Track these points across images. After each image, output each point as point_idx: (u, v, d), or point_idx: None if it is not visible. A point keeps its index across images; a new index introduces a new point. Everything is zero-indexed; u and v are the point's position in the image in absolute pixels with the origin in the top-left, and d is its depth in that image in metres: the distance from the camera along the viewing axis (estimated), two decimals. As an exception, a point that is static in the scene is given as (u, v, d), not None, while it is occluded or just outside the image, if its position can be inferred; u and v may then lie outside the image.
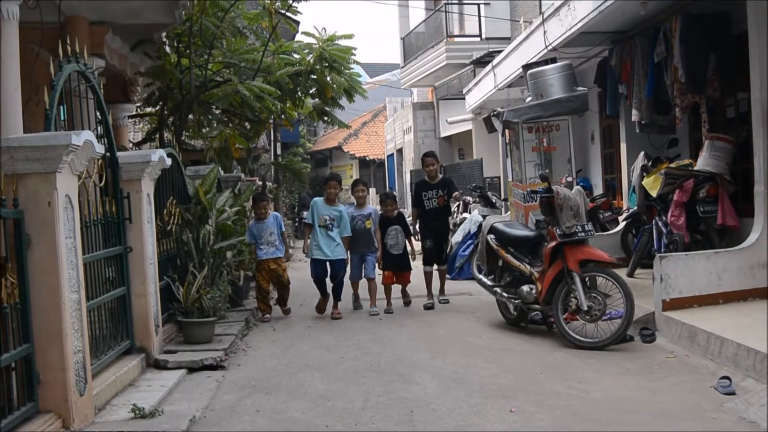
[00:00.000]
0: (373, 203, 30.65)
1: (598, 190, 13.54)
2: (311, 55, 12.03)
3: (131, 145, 13.52)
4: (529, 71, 10.18)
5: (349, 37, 12.67)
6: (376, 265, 10.19)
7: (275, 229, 9.99)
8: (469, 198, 16.23)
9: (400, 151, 31.35)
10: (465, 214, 15.56)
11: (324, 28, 12.25)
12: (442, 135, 26.57)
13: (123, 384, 6.32)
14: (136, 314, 7.06)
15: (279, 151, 24.01)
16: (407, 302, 10.33)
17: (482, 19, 22.33)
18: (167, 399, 6.09)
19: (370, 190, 33.12)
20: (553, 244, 7.47)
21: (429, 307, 9.99)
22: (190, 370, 7.01)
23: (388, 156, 34.97)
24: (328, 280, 10.04)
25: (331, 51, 11.78)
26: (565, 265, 7.31)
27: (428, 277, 10.31)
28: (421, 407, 5.60)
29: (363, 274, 10.17)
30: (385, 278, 10.18)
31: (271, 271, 9.87)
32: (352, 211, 10.23)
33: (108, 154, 6.84)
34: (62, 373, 4.98)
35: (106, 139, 6.85)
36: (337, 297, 9.98)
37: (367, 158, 38.15)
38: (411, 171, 27.00)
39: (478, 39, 22.46)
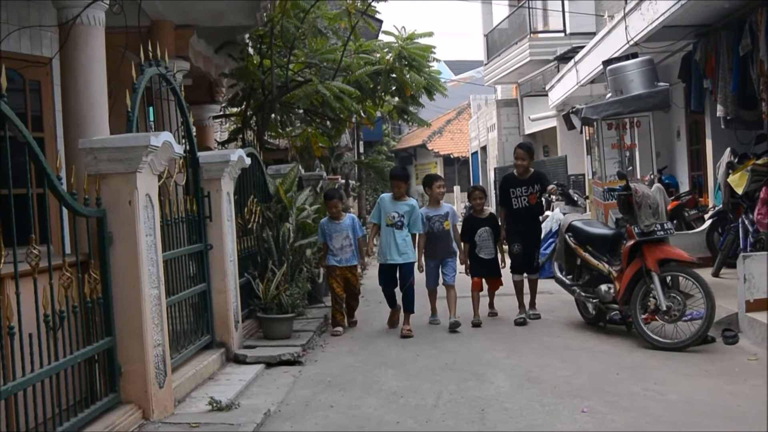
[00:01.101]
0: (458, 202, 30.61)
1: (685, 187, 13.20)
2: (390, 54, 12.12)
3: (216, 144, 13.85)
4: (609, 67, 10.02)
5: (429, 35, 12.72)
6: (457, 270, 9.05)
7: (350, 233, 9.02)
8: (552, 196, 16.03)
9: (484, 148, 31.17)
10: (547, 212, 15.40)
11: (404, 27, 12.34)
12: (527, 132, 26.27)
13: (203, 377, 6.51)
14: (216, 310, 7.25)
15: (362, 150, 24.18)
16: (493, 313, 9.25)
17: (566, 14, 22.02)
18: (244, 393, 6.24)
19: (455, 188, 33.12)
20: (631, 242, 7.34)
21: (521, 323, 8.68)
22: (268, 365, 7.16)
23: (472, 154, 34.81)
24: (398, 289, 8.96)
25: (410, 50, 11.85)
26: (644, 264, 7.18)
27: (518, 287, 9.07)
28: (493, 406, 5.60)
29: (442, 282, 8.98)
30: (474, 284, 9.03)
31: (345, 280, 8.98)
32: (427, 211, 9.02)
33: (189, 154, 7.08)
34: (142, 365, 5.16)
35: (187, 140, 7.07)
36: (408, 308, 8.66)
37: (452, 156, 38.13)
38: (495, 168, 26.84)
39: (562, 35, 22.13)
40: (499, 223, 9.19)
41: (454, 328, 8.46)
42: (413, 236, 8.90)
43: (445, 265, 8.92)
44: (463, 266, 9.10)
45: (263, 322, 8.13)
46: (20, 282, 4.08)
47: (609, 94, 10.35)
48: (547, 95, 19.31)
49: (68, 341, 4.57)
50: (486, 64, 27.19)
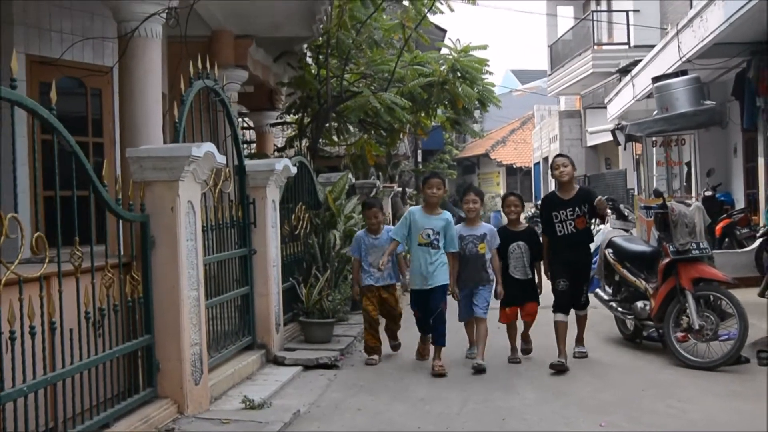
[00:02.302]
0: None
1: (740, 204, 13.06)
2: (444, 66, 12.32)
3: (275, 150, 14.23)
4: (655, 84, 10.02)
5: (484, 48, 12.89)
6: (490, 300, 7.66)
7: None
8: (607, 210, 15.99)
9: (546, 159, 31.07)
10: (600, 226, 15.36)
11: (458, 39, 12.53)
12: (588, 144, 26.18)
13: (241, 377, 6.79)
14: (258, 312, 7.54)
15: (420, 158, 24.38)
16: (527, 350, 7.89)
17: (630, 26, 21.90)
18: (279, 393, 6.51)
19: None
20: (666, 260, 7.38)
21: (559, 368, 7.09)
22: (306, 367, 7.42)
23: (534, 164, 34.72)
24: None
25: (463, 62, 12.03)
26: (678, 283, 7.22)
27: (560, 330, 7.37)
28: (514, 416, 5.74)
29: (473, 312, 7.57)
30: (507, 316, 7.75)
31: (382, 301, 7.96)
32: (460, 229, 7.60)
33: (236, 162, 7.40)
34: (179, 363, 5.46)
35: (235, 149, 7.39)
36: (439, 341, 7.31)
37: (514, 166, 38.02)
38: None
39: (626, 47, 22.05)
40: (539, 243, 7.79)
41: (478, 370, 7.12)
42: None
43: (476, 295, 7.51)
44: (498, 295, 7.70)
45: (305, 326, 8.39)
46: (66, 281, 4.41)
47: (655, 111, 10.36)
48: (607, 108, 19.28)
49: (109, 337, 4.89)
50: (549, 75, 27.20)
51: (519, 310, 7.75)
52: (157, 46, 7.13)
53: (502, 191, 37.71)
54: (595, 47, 22.44)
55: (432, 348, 7.42)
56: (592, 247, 8.96)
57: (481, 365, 7.16)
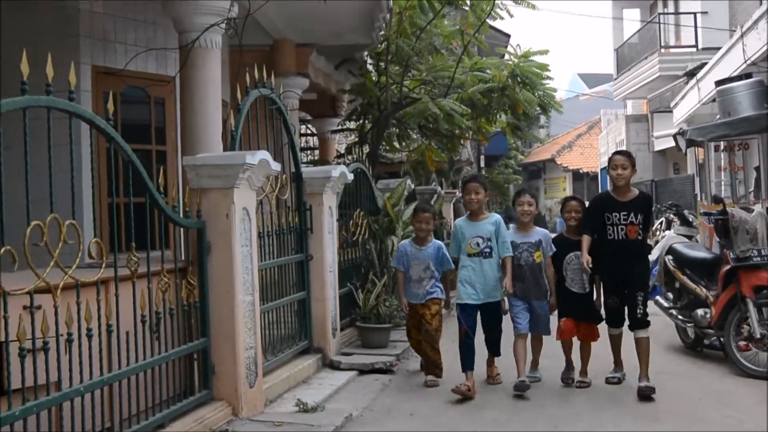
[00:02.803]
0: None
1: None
2: (504, 71, 12.29)
3: (335, 157, 14.38)
4: (718, 88, 9.83)
5: (544, 52, 12.81)
6: (550, 316, 7.01)
7: (434, 263, 7.12)
8: (672, 215, 15.71)
9: (612, 164, 30.64)
10: (666, 232, 15.11)
11: (518, 45, 12.48)
12: (656, 149, 25.72)
13: (297, 380, 6.89)
14: (315, 317, 7.64)
15: (483, 164, 24.30)
16: (584, 383, 6.83)
17: (698, 29, 21.48)
18: (333, 397, 6.59)
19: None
20: (727, 267, 7.24)
21: (615, 382, 6.79)
22: (361, 372, 7.48)
23: (601, 169, 34.22)
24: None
25: (523, 68, 11.99)
26: (739, 290, 7.07)
27: (615, 342, 6.88)
28: (567, 423, 5.72)
29: (532, 329, 6.88)
30: (562, 332, 6.89)
31: (419, 320, 7.11)
32: (512, 236, 6.90)
33: (293, 170, 7.53)
34: (234, 366, 5.58)
35: (292, 157, 7.51)
36: (494, 349, 6.97)
37: (581, 171, 37.58)
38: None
39: (694, 49, 21.64)
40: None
41: (520, 390, 6.46)
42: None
43: (535, 312, 6.89)
44: (551, 307, 6.99)
45: (361, 330, 8.47)
46: (123, 285, 4.57)
47: (718, 116, 10.16)
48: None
49: (166, 340, 5.03)
50: (616, 79, 26.86)
51: (578, 327, 6.91)
52: (217, 56, 7.30)
53: (568, 196, 37.32)
54: (662, 50, 22.11)
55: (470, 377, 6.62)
56: (657, 251, 9.11)
57: (524, 383, 6.49)
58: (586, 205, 7.11)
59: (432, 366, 7.03)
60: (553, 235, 7.20)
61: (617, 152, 6.97)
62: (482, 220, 6.81)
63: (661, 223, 15.63)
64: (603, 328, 6.94)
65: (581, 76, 50.73)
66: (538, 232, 7.01)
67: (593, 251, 6.64)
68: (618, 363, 6.92)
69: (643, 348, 6.53)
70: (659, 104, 23.13)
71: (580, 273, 6.80)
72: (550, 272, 6.92)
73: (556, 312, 6.99)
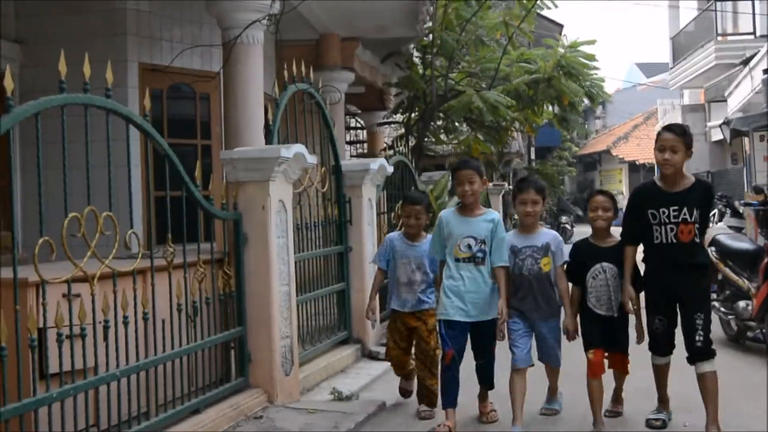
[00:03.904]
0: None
1: None
2: (550, 62, 12.26)
3: (382, 149, 14.50)
4: (763, 77, 9.67)
5: (592, 43, 12.75)
6: (561, 340, 5.53)
7: (426, 263, 5.80)
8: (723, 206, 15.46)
9: (669, 155, 30.16)
10: (719, 224, 14.88)
11: (565, 35, 12.43)
12: (713, 139, 25.24)
13: (335, 370, 7.04)
14: (354, 308, 7.77)
15: (534, 156, 24.17)
16: (616, 412, 5.65)
17: (756, 16, 21.04)
18: (369, 386, 6.71)
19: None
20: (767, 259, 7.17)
21: (657, 425, 5.34)
22: (400, 362, 7.58)
23: (658, 160, 33.70)
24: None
25: (568, 58, 11.96)
26: (780, 282, 6.99)
27: (660, 373, 5.40)
28: (599, 413, 5.70)
29: (538, 357, 5.55)
30: (594, 364, 5.27)
31: (407, 333, 5.87)
32: (512, 239, 5.43)
33: (333, 162, 7.67)
34: (269, 354, 5.73)
35: (331, 150, 7.65)
36: (486, 381, 5.57)
37: (637, 162, 37.01)
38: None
39: (752, 36, 21.21)
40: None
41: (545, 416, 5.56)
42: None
43: (542, 334, 5.49)
44: (567, 332, 5.42)
45: (402, 321, 8.53)
46: (160, 275, 4.75)
47: (764, 106, 10.00)
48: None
49: (202, 329, 5.21)
50: (672, 68, 26.44)
51: (608, 357, 5.40)
52: (259, 51, 7.48)
53: (624, 189, 36.86)
54: (719, 38, 21.70)
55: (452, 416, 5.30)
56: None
57: (553, 408, 5.66)
58: (627, 199, 5.52)
59: (427, 393, 5.70)
60: (579, 239, 5.72)
61: (666, 127, 5.19)
62: (477, 216, 5.28)
63: (713, 215, 15.41)
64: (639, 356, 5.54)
65: (639, 66, 49.94)
66: (546, 234, 5.55)
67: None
68: (663, 400, 5.47)
69: (708, 386, 5.03)
70: (716, 93, 22.70)
71: (607, 290, 5.30)
72: (563, 286, 5.41)
73: (574, 338, 5.44)
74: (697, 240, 5.05)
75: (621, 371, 5.57)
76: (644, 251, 5.24)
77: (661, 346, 5.28)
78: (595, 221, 5.45)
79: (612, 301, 5.30)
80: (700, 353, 5.06)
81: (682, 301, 5.11)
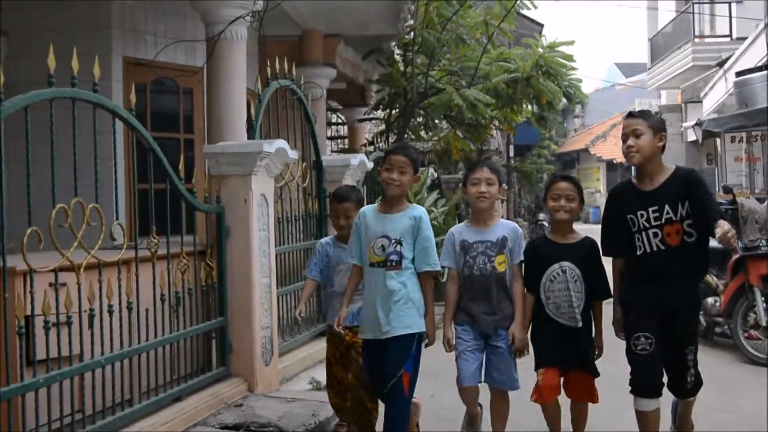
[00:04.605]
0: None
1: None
2: (528, 62, 12.43)
3: (362, 145, 14.64)
4: (736, 79, 9.91)
5: (570, 43, 12.90)
6: (516, 356, 4.54)
7: None
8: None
9: (646, 154, 30.47)
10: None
11: (544, 35, 12.60)
12: (689, 139, 25.57)
13: (314, 361, 7.17)
14: (333, 301, 7.90)
15: (512, 153, 24.39)
16: None
17: (733, 18, 21.38)
18: (347, 377, 6.84)
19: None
20: (735, 257, 7.38)
21: None
22: (378, 354, 7.73)
23: (635, 159, 34.05)
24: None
25: (547, 58, 12.11)
26: (747, 279, 7.21)
27: (645, 423, 4.37)
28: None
29: (484, 378, 4.57)
30: (543, 387, 4.46)
31: (345, 349, 4.93)
32: (463, 232, 4.63)
33: (314, 158, 7.79)
34: (250, 344, 5.87)
35: (312, 146, 7.78)
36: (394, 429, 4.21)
37: (615, 161, 37.36)
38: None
39: (728, 39, 21.55)
40: (602, 267, 4.58)
41: None
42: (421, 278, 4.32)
43: (493, 348, 4.53)
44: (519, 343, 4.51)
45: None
46: (144, 266, 4.87)
47: (735, 107, 10.23)
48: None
49: (184, 318, 5.33)
50: (649, 69, 26.75)
51: (566, 380, 4.54)
52: (242, 47, 7.56)
53: (602, 188, 37.25)
54: (696, 40, 22.02)
55: None
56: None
57: None
58: (605, 201, 4.91)
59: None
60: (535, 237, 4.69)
61: (631, 114, 4.41)
62: (396, 212, 4.33)
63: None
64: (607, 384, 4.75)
65: (618, 66, 50.32)
66: (503, 226, 4.67)
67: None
68: None
69: (684, 413, 4.60)
70: (692, 94, 23.05)
71: (568, 295, 4.47)
72: (519, 288, 4.56)
73: (524, 353, 4.56)
74: (691, 240, 4.17)
75: (586, 398, 4.56)
76: (626, 265, 4.41)
77: (646, 377, 4.23)
78: (556, 212, 4.53)
79: (575, 309, 4.46)
80: (688, 394, 4.45)
81: (670, 321, 4.26)
